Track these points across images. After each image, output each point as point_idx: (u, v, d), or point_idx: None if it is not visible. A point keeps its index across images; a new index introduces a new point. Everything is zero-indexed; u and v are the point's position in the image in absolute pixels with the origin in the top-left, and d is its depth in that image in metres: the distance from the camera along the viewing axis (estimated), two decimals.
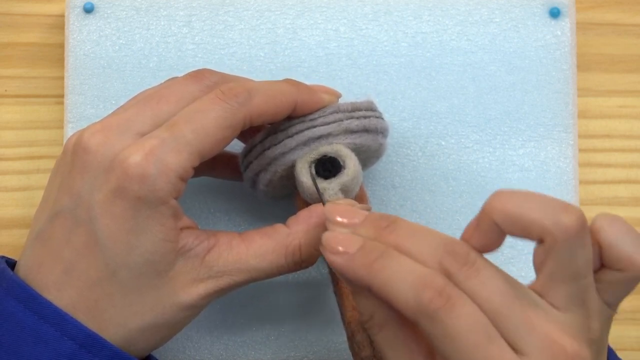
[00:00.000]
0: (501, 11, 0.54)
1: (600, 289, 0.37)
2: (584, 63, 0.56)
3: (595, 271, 0.37)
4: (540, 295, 0.37)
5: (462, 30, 0.53)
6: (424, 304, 0.35)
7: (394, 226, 0.38)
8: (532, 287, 0.37)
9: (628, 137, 0.56)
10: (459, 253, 0.36)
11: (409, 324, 0.37)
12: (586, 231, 0.36)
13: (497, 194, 0.37)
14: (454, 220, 0.52)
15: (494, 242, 0.37)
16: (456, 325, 0.35)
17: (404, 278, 0.36)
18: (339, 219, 0.40)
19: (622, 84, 0.56)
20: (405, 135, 0.53)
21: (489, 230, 0.37)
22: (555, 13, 0.53)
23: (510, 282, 0.36)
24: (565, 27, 0.54)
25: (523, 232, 0.36)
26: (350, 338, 0.44)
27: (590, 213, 0.54)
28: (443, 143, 0.53)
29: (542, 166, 0.53)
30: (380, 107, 0.52)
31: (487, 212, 0.37)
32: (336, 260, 0.38)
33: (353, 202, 0.45)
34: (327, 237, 0.39)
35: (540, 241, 0.36)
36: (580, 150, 0.54)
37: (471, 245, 0.37)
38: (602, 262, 0.37)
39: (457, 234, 0.52)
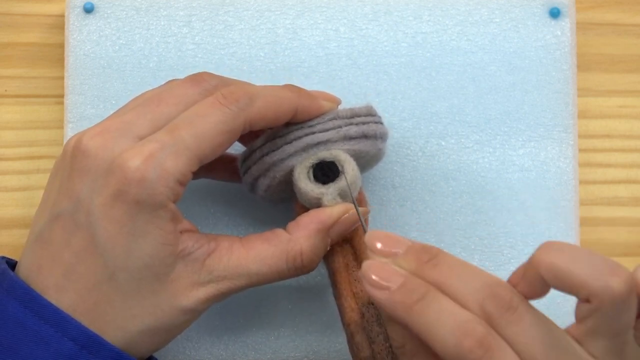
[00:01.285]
0: (501, 11, 0.54)
1: (637, 335, 0.37)
2: (584, 63, 0.55)
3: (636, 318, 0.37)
4: (578, 342, 0.37)
5: (462, 30, 0.53)
6: (463, 352, 0.35)
7: (436, 260, 0.37)
8: (570, 332, 0.37)
9: (628, 137, 0.56)
10: (502, 297, 0.36)
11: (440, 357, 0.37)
12: (633, 295, 0.36)
13: (547, 247, 0.36)
14: (454, 220, 0.52)
15: (538, 292, 0.37)
16: None
17: (444, 322, 0.35)
18: (378, 246, 0.39)
19: (622, 84, 0.56)
20: (405, 135, 0.53)
21: (535, 281, 0.37)
22: (555, 13, 0.53)
23: (551, 330, 0.36)
24: (565, 27, 0.54)
25: (569, 290, 0.36)
26: (350, 339, 0.44)
27: (590, 213, 0.54)
28: (443, 143, 0.53)
29: (542, 166, 0.53)
30: (380, 107, 0.52)
31: (534, 264, 0.36)
32: (376, 295, 0.37)
33: (352, 206, 0.45)
34: (367, 267, 0.38)
35: (586, 301, 0.36)
36: (580, 150, 0.54)
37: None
38: None
39: (457, 234, 0.52)
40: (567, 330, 0.37)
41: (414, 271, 0.38)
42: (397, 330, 0.38)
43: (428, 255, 0.38)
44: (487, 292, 0.36)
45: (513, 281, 0.38)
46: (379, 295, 0.37)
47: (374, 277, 0.37)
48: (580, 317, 0.37)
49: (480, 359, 0.35)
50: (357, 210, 0.44)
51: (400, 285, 0.37)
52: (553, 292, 0.37)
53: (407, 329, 0.37)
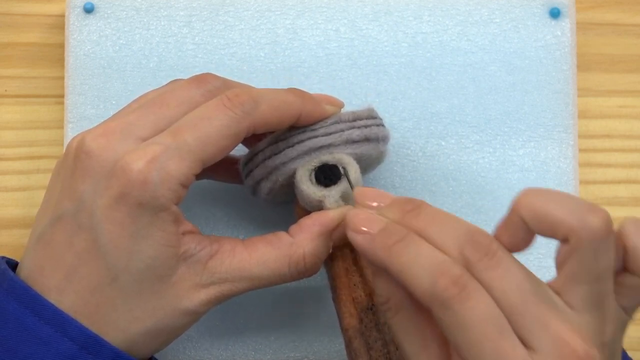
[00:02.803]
0: (501, 11, 0.54)
1: (619, 292, 0.37)
2: (584, 63, 0.55)
3: (617, 274, 0.37)
4: (558, 294, 0.37)
5: (462, 30, 0.53)
6: (438, 292, 0.35)
7: (418, 210, 0.38)
8: (550, 284, 0.37)
9: (628, 137, 0.56)
10: (481, 243, 0.36)
11: (425, 310, 0.37)
12: (611, 234, 0.36)
13: (525, 192, 0.37)
14: None
15: (522, 241, 0.37)
16: (468, 316, 0.35)
17: (421, 263, 0.36)
18: (367, 201, 0.40)
19: (622, 84, 0.56)
20: (405, 136, 0.53)
21: (517, 228, 0.37)
22: (555, 13, 0.53)
23: (529, 277, 0.36)
24: (565, 27, 0.54)
25: (549, 230, 0.36)
26: (348, 345, 0.44)
27: None
28: (443, 143, 0.53)
29: (542, 166, 0.53)
30: (381, 108, 0.52)
31: (514, 209, 0.37)
32: (357, 239, 0.38)
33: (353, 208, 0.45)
34: (351, 215, 0.39)
35: (564, 240, 0.36)
36: (580, 150, 0.54)
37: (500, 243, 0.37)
38: (625, 266, 0.37)
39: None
40: (547, 283, 0.37)
41: (397, 220, 0.38)
42: (381, 284, 0.39)
43: (411, 206, 0.39)
44: (467, 238, 0.37)
45: (497, 233, 0.38)
46: (359, 239, 0.38)
47: (356, 222, 0.39)
48: (559, 263, 0.37)
49: (454, 297, 0.35)
50: (349, 182, 0.45)
51: (381, 229, 0.38)
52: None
53: (392, 282, 0.38)
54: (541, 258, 0.49)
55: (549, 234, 0.36)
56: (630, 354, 0.54)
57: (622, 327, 0.38)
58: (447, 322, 0.35)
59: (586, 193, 0.55)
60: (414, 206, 0.39)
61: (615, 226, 0.37)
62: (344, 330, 0.44)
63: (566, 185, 0.52)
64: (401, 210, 0.39)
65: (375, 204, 0.40)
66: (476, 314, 0.35)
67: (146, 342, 0.42)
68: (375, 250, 0.38)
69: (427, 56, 0.53)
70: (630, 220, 0.37)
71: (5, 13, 0.55)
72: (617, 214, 0.55)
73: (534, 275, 0.37)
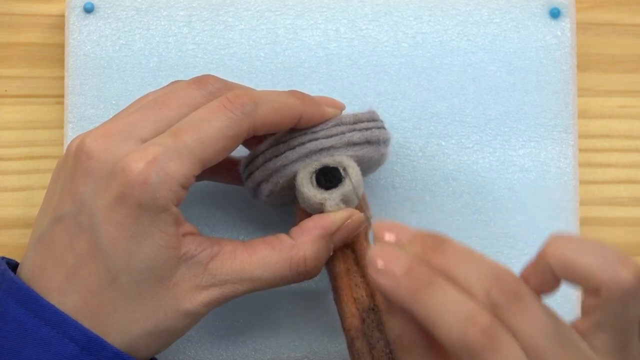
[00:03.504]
0: (501, 11, 0.54)
1: None
2: (584, 63, 0.55)
3: None
4: (583, 336, 0.37)
5: (462, 30, 0.53)
6: (468, 341, 0.35)
7: (442, 248, 0.37)
8: (575, 326, 0.37)
9: (628, 137, 0.56)
10: (509, 286, 0.36)
11: (437, 348, 0.37)
12: None
13: (554, 239, 0.36)
14: (454, 220, 0.52)
15: (549, 287, 0.37)
16: None
17: (450, 310, 0.35)
18: (387, 235, 0.38)
19: (622, 84, 0.56)
20: (405, 136, 0.53)
21: (545, 274, 0.36)
22: (555, 13, 0.53)
23: (555, 321, 0.36)
24: (565, 27, 0.54)
25: (578, 281, 0.36)
26: (350, 345, 0.44)
27: (590, 213, 0.54)
28: (443, 143, 0.53)
29: (542, 166, 0.53)
30: (381, 108, 0.52)
31: (543, 256, 0.36)
32: (381, 281, 0.37)
33: (354, 210, 0.45)
34: (374, 253, 0.37)
35: (594, 292, 0.36)
36: (580, 150, 0.54)
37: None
38: None
39: (457, 234, 0.52)
40: (572, 324, 0.37)
41: (420, 257, 0.37)
42: (396, 321, 0.38)
43: (435, 242, 0.37)
44: (494, 280, 0.36)
45: (524, 275, 0.37)
46: (384, 281, 0.37)
47: (380, 262, 0.37)
48: (586, 310, 0.36)
49: (484, 348, 0.34)
50: (366, 215, 0.44)
51: (406, 271, 0.36)
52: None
53: (406, 320, 0.37)
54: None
55: (577, 283, 0.36)
56: None
57: None
58: None
59: (586, 193, 0.55)
60: (437, 243, 0.37)
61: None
62: (346, 331, 0.44)
63: (566, 185, 0.53)
64: (424, 245, 0.37)
65: (394, 238, 0.38)
66: None
67: (147, 343, 0.42)
68: (400, 294, 0.36)
69: (427, 56, 0.53)
70: None
71: (5, 13, 0.55)
72: (617, 214, 0.55)
73: (560, 319, 0.37)
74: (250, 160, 0.46)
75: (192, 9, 0.53)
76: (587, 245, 0.36)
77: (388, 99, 0.53)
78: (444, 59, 0.53)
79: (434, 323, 0.36)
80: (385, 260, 0.37)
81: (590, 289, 0.36)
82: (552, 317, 0.36)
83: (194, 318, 0.42)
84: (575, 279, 0.36)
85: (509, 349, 0.35)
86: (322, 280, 0.50)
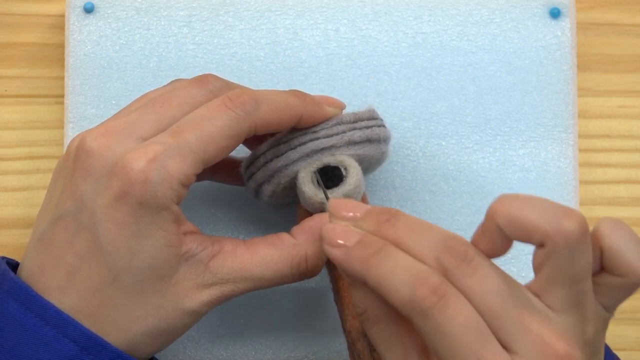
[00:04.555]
0: (501, 11, 0.54)
1: (598, 292, 0.37)
2: (584, 63, 0.55)
3: (595, 274, 0.37)
4: (537, 296, 0.37)
5: (462, 30, 0.53)
6: (417, 301, 0.35)
7: (394, 220, 0.38)
8: (529, 287, 0.37)
9: (628, 137, 0.56)
10: (457, 249, 0.36)
11: (403, 319, 0.37)
12: (587, 237, 0.36)
13: (500, 198, 0.37)
14: (454, 220, 0.52)
15: (500, 247, 0.37)
16: (449, 324, 0.35)
17: (399, 274, 0.36)
18: (342, 212, 0.40)
19: (622, 84, 0.56)
20: (405, 136, 0.53)
21: (494, 235, 0.37)
22: (555, 13, 0.53)
23: (507, 281, 0.36)
24: (565, 27, 0.54)
25: (525, 236, 0.36)
26: (351, 347, 0.44)
27: (590, 213, 0.54)
28: (443, 143, 0.53)
29: (542, 166, 0.53)
30: (381, 108, 0.52)
31: (490, 216, 0.37)
32: (334, 252, 0.38)
33: None
34: (326, 229, 0.39)
35: (541, 245, 0.36)
36: (580, 150, 0.54)
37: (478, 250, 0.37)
38: (602, 267, 0.37)
39: (458, 234, 0.52)
40: (525, 286, 0.37)
41: (373, 231, 0.38)
42: (358, 295, 0.39)
43: (387, 215, 0.38)
44: (443, 245, 0.36)
45: (475, 240, 0.38)
46: (336, 252, 0.38)
47: (332, 236, 0.38)
48: (537, 266, 0.37)
49: (434, 307, 0.35)
50: (325, 195, 0.44)
51: (357, 242, 0.38)
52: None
53: (369, 293, 0.38)
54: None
55: (524, 239, 0.36)
56: (630, 354, 0.55)
57: (603, 325, 0.38)
58: (428, 331, 0.35)
59: (586, 193, 0.55)
60: (389, 216, 0.38)
61: (591, 226, 0.37)
62: (347, 332, 0.44)
63: (566, 185, 0.53)
64: (376, 220, 0.38)
65: (350, 214, 0.39)
66: (457, 322, 0.35)
67: (147, 342, 0.42)
68: (351, 263, 0.38)
69: (427, 56, 0.53)
70: (605, 221, 0.37)
71: (5, 13, 0.55)
72: (617, 214, 0.55)
73: (512, 279, 0.37)
74: (251, 161, 0.46)
75: (192, 9, 0.53)
76: (531, 200, 0.36)
77: (388, 99, 0.53)
78: (444, 59, 0.53)
79: (384, 287, 0.36)
80: (337, 234, 0.38)
81: (537, 243, 0.36)
82: (504, 277, 0.36)
83: (195, 317, 0.42)
84: (522, 235, 0.36)
85: (458, 307, 0.35)
86: (322, 280, 0.50)
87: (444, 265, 0.36)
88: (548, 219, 0.35)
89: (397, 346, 0.38)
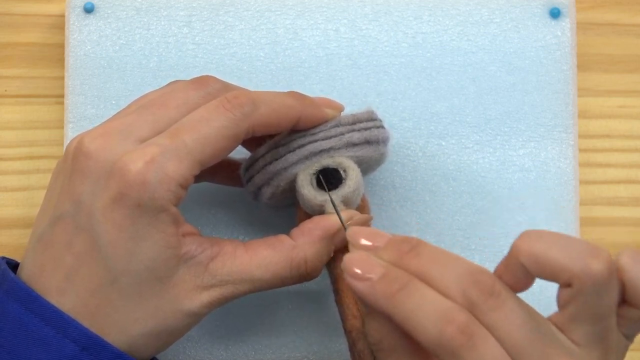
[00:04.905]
0: (501, 11, 0.54)
1: (620, 323, 0.37)
2: (584, 63, 0.55)
3: (617, 306, 0.37)
4: (562, 331, 0.37)
5: (462, 30, 0.53)
6: (445, 340, 0.35)
7: (416, 251, 0.38)
8: (553, 320, 0.37)
9: (628, 137, 0.56)
10: (484, 283, 0.36)
11: (419, 351, 0.37)
12: (613, 277, 0.36)
13: (524, 236, 0.37)
14: (454, 220, 0.52)
15: (523, 284, 0.37)
16: None
17: (426, 311, 0.36)
18: (362, 242, 0.39)
19: (622, 84, 0.56)
20: (405, 136, 0.53)
21: (517, 272, 0.37)
22: (555, 13, 0.53)
23: (532, 315, 0.36)
24: (565, 27, 0.54)
25: (551, 276, 0.36)
26: (352, 347, 0.44)
27: (590, 213, 0.54)
28: (443, 143, 0.53)
29: (543, 166, 0.53)
30: (381, 108, 0.52)
31: (514, 254, 0.37)
32: (357, 286, 0.37)
33: (355, 212, 0.45)
34: (348, 260, 0.38)
35: (567, 285, 0.36)
36: (580, 150, 0.54)
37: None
38: (624, 299, 0.37)
39: (458, 234, 0.52)
40: (549, 319, 0.37)
41: (395, 262, 0.38)
42: (374, 326, 0.38)
43: (408, 246, 0.38)
44: (469, 279, 0.36)
45: (497, 273, 0.38)
46: (360, 286, 0.37)
47: (355, 269, 0.38)
48: (562, 304, 0.37)
49: (462, 346, 0.35)
50: (341, 220, 0.44)
51: (381, 276, 0.37)
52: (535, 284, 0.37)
53: (386, 324, 0.37)
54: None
55: (550, 279, 0.36)
56: (629, 353, 0.55)
57: (623, 352, 0.38)
58: None
59: (586, 193, 0.55)
60: (411, 247, 0.38)
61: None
62: (348, 332, 0.44)
63: (566, 185, 0.53)
64: (399, 251, 0.38)
65: (370, 244, 0.39)
66: None
67: (147, 343, 0.42)
68: (377, 298, 0.37)
69: (427, 56, 0.53)
70: (625, 254, 0.37)
71: (5, 13, 0.55)
72: (617, 214, 0.55)
73: (537, 313, 0.37)
74: (250, 163, 0.46)
75: (192, 9, 0.53)
76: (556, 239, 0.36)
77: (388, 99, 0.53)
78: (444, 59, 0.53)
79: (411, 324, 0.36)
80: (361, 266, 0.38)
81: (563, 284, 0.36)
82: (530, 311, 0.36)
83: (195, 318, 0.42)
84: (547, 274, 0.36)
85: (486, 345, 0.35)
86: (322, 280, 0.50)
87: (470, 299, 0.36)
88: (575, 260, 0.35)
89: None
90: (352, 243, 0.39)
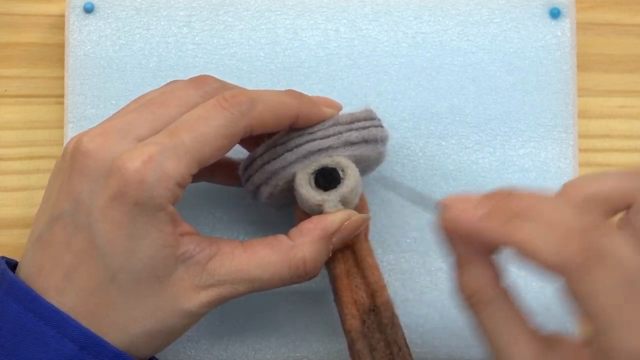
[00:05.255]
0: (501, 11, 0.54)
1: None
2: (584, 63, 0.55)
3: None
4: None
5: (462, 30, 0.53)
6: (568, 257, 0.34)
7: (515, 194, 0.37)
8: None
9: (628, 137, 0.56)
10: (592, 212, 0.36)
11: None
12: None
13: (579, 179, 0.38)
14: None
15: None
16: (602, 280, 0.33)
17: (544, 233, 0.35)
18: (457, 203, 0.38)
19: (622, 84, 0.56)
20: (405, 136, 0.53)
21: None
22: (555, 13, 0.53)
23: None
24: (565, 28, 0.54)
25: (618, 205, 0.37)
26: (351, 346, 0.44)
27: None
28: (443, 143, 0.53)
29: (542, 166, 0.53)
30: (381, 108, 0.52)
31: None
32: (463, 222, 0.37)
33: (353, 212, 0.45)
34: (450, 200, 0.38)
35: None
36: (580, 150, 0.54)
37: None
38: None
39: None
40: None
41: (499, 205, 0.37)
42: (469, 277, 0.38)
43: (505, 193, 0.37)
44: (578, 211, 0.35)
45: None
46: (466, 222, 0.37)
47: (457, 206, 0.37)
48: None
49: (588, 261, 0.34)
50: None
51: (489, 210, 0.37)
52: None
53: (484, 274, 0.37)
54: None
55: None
56: None
57: None
58: (579, 289, 0.34)
59: None
60: (508, 192, 0.37)
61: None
62: (347, 332, 0.44)
63: None
64: (497, 197, 0.37)
65: (466, 204, 0.38)
66: (610, 277, 0.34)
67: (146, 342, 0.42)
68: (487, 229, 0.36)
69: (427, 56, 0.53)
70: None
71: (5, 13, 0.55)
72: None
73: None
74: (249, 163, 0.46)
75: (192, 9, 0.53)
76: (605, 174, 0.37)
77: (388, 99, 0.53)
78: (444, 59, 0.53)
79: (530, 248, 0.35)
80: (465, 204, 0.37)
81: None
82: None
83: (193, 318, 0.42)
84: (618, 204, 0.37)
85: (612, 259, 0.34)
86: (322, 280, 0.50)
87: (584, 224, 0.35)
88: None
89: (509, 330, 0.37)
90: (448, 207, 0.38)
